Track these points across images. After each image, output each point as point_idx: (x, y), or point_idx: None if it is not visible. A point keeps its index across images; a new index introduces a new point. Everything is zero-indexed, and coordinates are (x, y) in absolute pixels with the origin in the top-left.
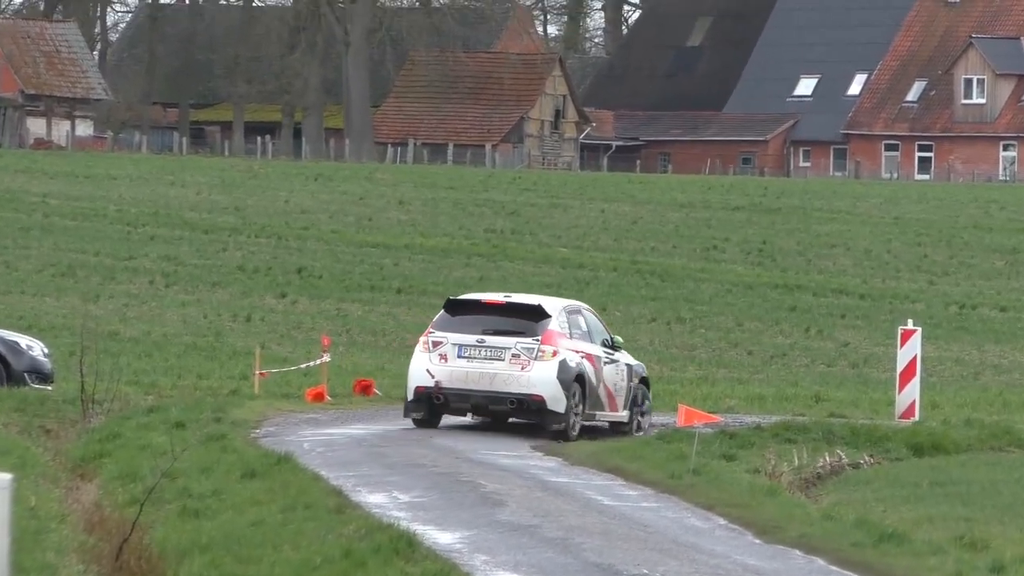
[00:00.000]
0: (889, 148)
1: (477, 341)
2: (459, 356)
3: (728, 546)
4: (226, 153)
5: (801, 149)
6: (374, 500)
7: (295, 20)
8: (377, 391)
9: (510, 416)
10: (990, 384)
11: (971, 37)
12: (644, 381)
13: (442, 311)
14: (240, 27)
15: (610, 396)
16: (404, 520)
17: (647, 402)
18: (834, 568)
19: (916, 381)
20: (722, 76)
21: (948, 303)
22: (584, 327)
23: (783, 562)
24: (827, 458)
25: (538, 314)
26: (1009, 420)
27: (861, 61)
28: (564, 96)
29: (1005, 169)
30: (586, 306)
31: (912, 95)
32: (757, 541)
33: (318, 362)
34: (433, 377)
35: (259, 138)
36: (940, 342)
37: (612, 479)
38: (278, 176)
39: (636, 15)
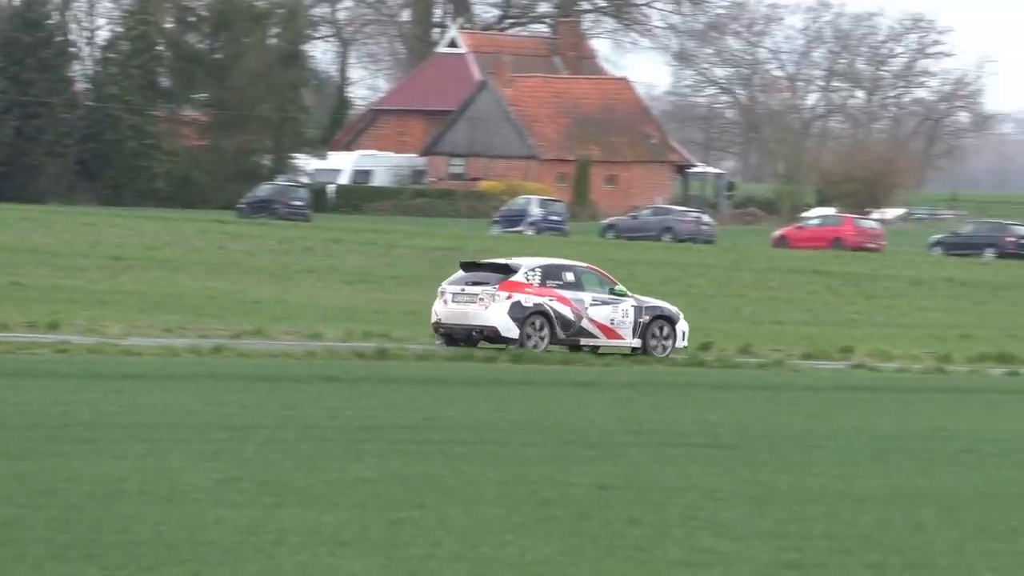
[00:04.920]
0: None
1: (460, 290)
2: (452, 301)
3: None
4: None
5: None
6: None
7: None
8: None
9: (478, 341)
10: None
11: None
12: (666, 319)
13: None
14: None
15: (601, 328)
16: None
17: (664, 332)
18: None
19: None
20: None
21: None
22: (572, 279)
23: None
24: None
25: (504, 271)
26: None
27: None
28: None
29: None
30: (584, 265)
31: None
32: None
33: None
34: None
35: None
36: None
37: None
38: None
39: None
